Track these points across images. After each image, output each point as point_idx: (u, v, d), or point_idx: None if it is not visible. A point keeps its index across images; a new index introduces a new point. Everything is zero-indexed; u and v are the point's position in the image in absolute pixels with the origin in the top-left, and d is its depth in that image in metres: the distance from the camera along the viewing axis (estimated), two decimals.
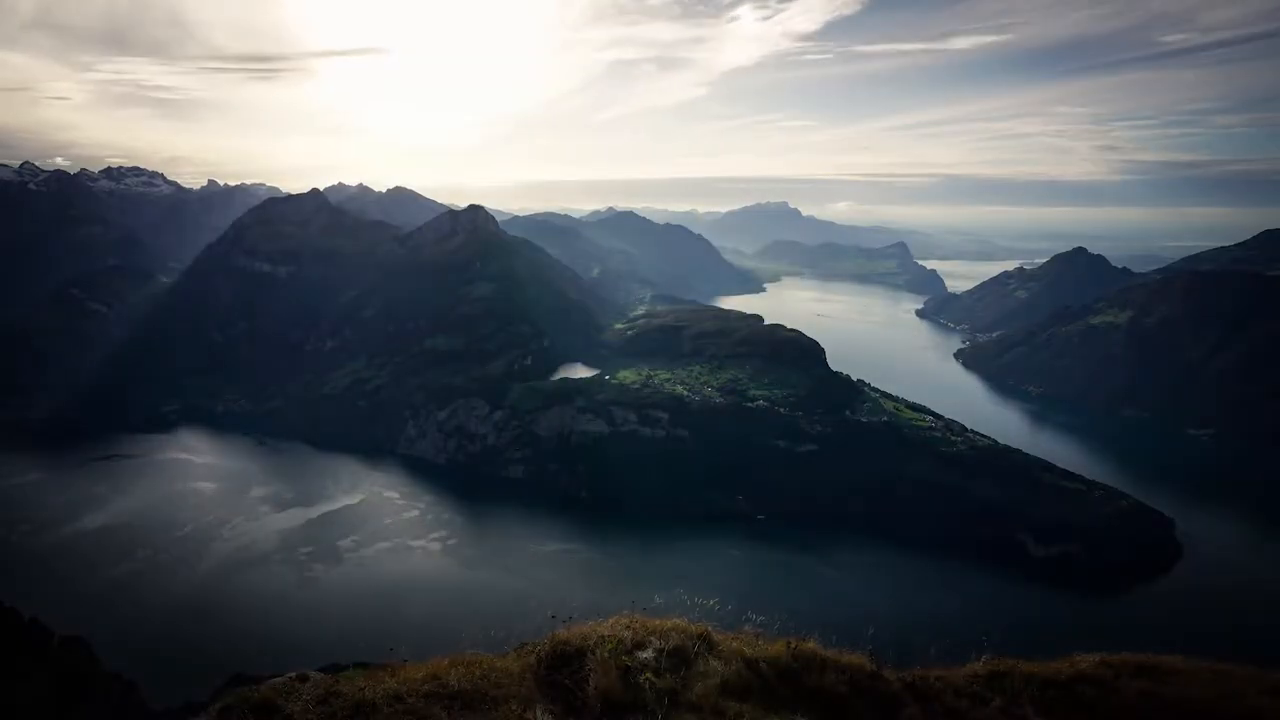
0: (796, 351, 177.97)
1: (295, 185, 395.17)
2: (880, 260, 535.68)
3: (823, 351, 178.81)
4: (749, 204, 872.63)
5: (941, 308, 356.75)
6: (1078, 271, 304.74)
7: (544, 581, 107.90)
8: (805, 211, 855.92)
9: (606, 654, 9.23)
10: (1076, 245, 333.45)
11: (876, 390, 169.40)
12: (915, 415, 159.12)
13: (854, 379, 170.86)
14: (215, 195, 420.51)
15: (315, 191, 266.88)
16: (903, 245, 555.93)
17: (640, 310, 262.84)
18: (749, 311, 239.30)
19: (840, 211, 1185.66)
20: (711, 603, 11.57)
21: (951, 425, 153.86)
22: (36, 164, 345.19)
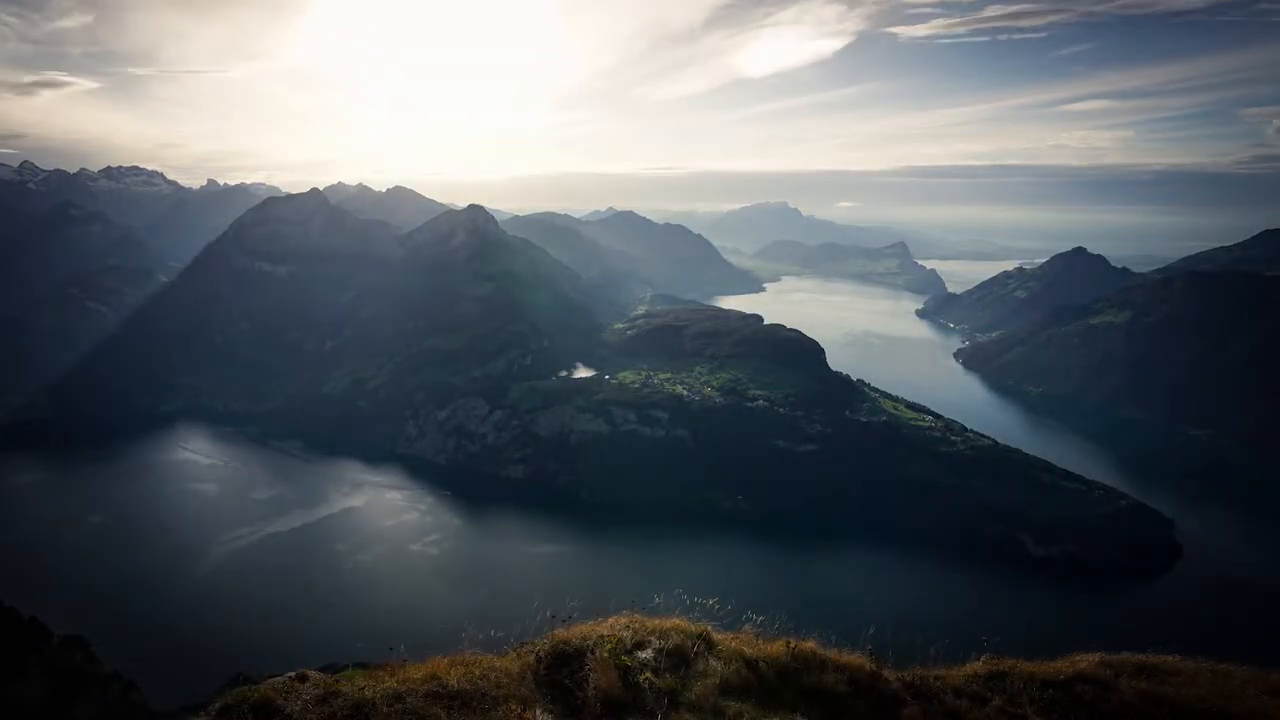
0: (796, 351, 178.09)
1: (296, 184, 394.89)
2: (880, 260, 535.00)
3: (823, 351, 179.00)
4: (748, 204, 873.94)
5: (941, 308, 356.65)
6: (1077, 271, 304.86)
7: (544, 581, 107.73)
8: (805, 211, 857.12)
9: (606, 654, 9.23)
10: (1076, 245, 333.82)
11: (876, 390, 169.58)
12: (915, 415, 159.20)
13: (854, 379, 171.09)
14: (215, 195, 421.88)
15: (315, 191, 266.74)
16: (903, 245, 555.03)
17: (640, 310, 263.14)
18: (749, 311, 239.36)
19: (840, 211, 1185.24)
20: (711, 603, 11.57)
21: (951, 425, 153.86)
22: (36, 164, 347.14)
